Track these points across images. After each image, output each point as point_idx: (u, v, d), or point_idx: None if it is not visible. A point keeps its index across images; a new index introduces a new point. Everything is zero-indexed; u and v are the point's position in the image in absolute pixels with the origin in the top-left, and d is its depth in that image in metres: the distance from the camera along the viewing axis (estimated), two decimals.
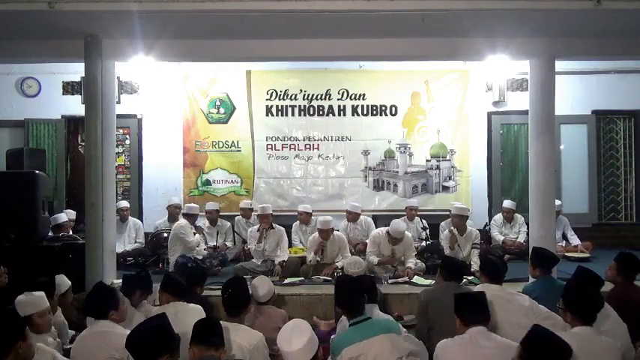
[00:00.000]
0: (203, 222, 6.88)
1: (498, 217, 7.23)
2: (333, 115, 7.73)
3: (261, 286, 3.90)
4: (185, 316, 3.24)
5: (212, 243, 6.68)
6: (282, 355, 2.60)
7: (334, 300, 3.30)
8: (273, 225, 6.19)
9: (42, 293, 3.25)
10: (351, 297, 3.13)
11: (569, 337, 2.74)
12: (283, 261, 5.93)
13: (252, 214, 7.00)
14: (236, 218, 7.26)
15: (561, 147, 7.74)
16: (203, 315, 3.28)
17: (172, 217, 6.96)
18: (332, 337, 3.76)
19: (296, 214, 7.04)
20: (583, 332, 2.84)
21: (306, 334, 2.58)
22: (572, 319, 2.94)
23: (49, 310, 3.24)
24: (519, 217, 7.08)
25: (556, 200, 7.00)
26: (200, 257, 6.08)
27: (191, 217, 6.29)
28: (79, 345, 3.02)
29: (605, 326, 3.28)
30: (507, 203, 7.13)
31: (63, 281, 3.92)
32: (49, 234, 5.66)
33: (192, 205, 6.66)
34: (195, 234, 6.17)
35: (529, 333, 2.47)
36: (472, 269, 5.61)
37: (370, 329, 2.93)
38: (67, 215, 6.40)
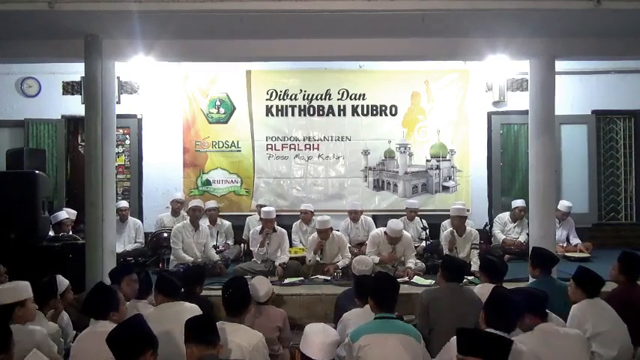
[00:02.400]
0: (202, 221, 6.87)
1: (503, 215, 7.21)
2: (333, 115, 7.73)
3: (261, 286, 3.89)
4: (185, 316, 3.23)
5: (212, 243, 6.67)
6: (304, 341, 2.58)
7: (370, 290, 3.30)
8: (276, 228, 6.19)
9: (25, 283, 3.23)
10: (387, 293, 3.19)
11: (534, 336, 2.75)
12: (284, 263, 5.92)
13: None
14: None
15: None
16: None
17: (175, 212, 7.11)
18: None
19: (296, 214, 7.05)
20: (546, 329, 2.88)
21: (334, 337, 2.61)
22: (530, 318, 2.95)
23: (31, 300, 3.21)
24: (524, 218, 7.05)
25: (566, 202, 7.05)
26: (201, 261, 6.06)
27: (195, 213, 6.26)
28: (78, 345, 3.01)
29: (604, 326, 3.29)
30: (520, 202, 7.04)
31: (61, 281, 3.92)
32: (50, 232, 5.67)
33: (194, 200, 6.65)
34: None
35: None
36: (472, 269, 5.61)
37: (392, 326, 3.01)
38: (67, 214, 6.39)
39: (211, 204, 7.05)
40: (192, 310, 3.39)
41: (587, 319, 3.31)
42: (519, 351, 2.58)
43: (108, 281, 4.14)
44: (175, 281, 3.66)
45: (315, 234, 6.00)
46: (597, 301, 3.45)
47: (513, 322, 2.78)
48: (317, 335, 2.54)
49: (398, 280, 5.38)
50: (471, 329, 2.54)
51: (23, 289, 3.18)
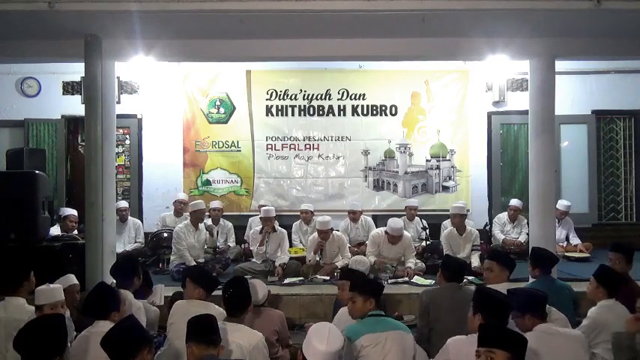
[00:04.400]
0: (205, 221, 6.83)
1: (502, 215, 7.21)
2: (333, 115, 7.73)
3: (259, 288, 3.88)
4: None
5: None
6: (307, 345, 2.53)
7: (365, 288, 3.30)
8: (276, 227, 6.19)
9: (58, 287, 3.46)
10: (380, 291, 3.34)
11: (534, 337, 2.75)
12: (284, 264, 5.90)
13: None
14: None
15: (565, 143, 7.76)
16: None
17: (178, 213, 7.11)
18: None
19: (296, 214, 7.06)
20: (546, 329, 2.88)
21: (338, 345, 2.55)
22: (529, 319, 2.95)
23: (62, 304, 3.41)
24: (522, 218, 7.06)
25: (565, 201, 7.05)
26: (202, 261, 6.07)
27: (196, 214, 6.21)
28: (79, 345, 3.01)
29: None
30: (515, 201, 7.05)
31: (70, 280, 3.95)
32: (57, 227, 5.68)
33: (198, 201, 6.52)
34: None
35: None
36: (472, 268, 5.61)
37: (385, 324, 3.09)
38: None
39: (216, 204, 7.05)
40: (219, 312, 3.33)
41: (604, 323, 3.29)
42: None
43: (109, 280, 4.15)
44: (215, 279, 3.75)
45: (316, 234, 6.00)
46: (616, 305, 3.41)
47: (505, 318, 2.78)
48: (320, 343, 2.48)
49: (398, 280, 5.48)
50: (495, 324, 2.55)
51: (57, 292, 3.42)
